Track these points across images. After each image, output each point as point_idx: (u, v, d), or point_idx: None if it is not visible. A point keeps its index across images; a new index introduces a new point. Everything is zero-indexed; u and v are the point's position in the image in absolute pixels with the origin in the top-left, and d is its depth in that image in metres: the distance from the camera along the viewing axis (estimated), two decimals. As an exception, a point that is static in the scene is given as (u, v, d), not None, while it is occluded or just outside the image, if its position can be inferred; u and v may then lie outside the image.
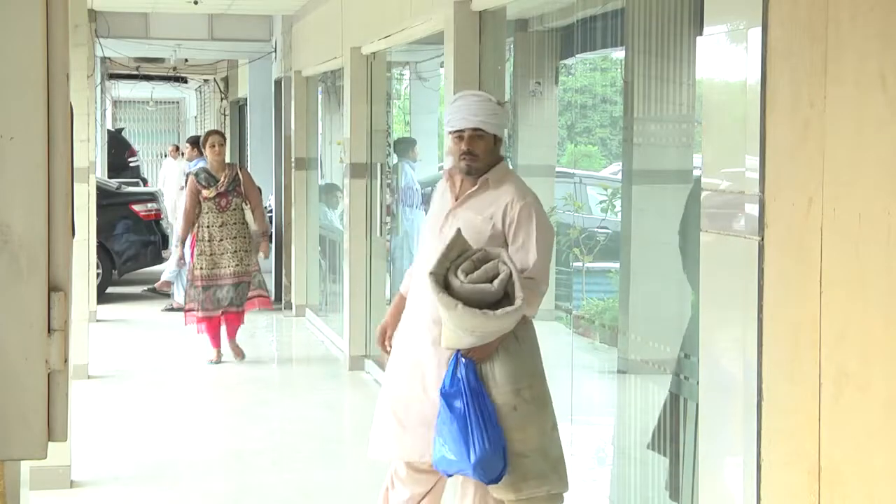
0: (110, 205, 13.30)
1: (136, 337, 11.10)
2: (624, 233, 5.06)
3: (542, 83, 6.08)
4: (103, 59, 15.89)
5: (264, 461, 6.64)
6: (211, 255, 9.15)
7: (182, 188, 12.01)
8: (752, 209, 2.95)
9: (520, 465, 4.16)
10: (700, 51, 4.05)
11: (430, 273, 4.09)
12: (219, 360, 9.39)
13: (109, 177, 17.80)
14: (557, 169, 6.01)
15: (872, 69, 2.62)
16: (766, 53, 2.92)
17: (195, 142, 11.86)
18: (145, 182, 21.81)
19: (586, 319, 5.63)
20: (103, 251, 12.89)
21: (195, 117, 26.86)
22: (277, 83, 13.61)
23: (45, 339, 2.23)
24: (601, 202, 5.59)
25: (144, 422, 7.61)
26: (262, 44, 14.37)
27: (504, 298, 4.08)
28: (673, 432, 4.43)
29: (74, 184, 2.38)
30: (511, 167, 4.47)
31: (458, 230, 4.23)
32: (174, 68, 19.60)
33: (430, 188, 8.59)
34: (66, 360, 2.25)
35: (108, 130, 21.25)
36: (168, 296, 12.97)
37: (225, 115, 19.97)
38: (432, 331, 4.34)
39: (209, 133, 9.62)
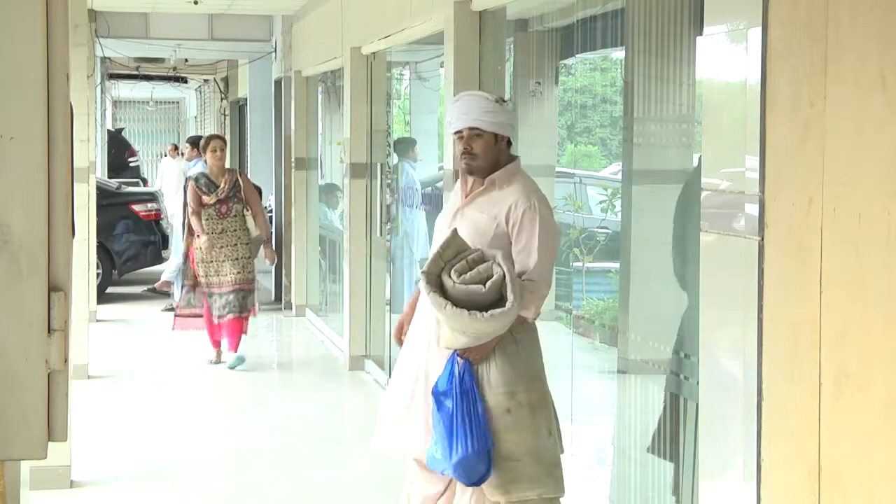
0: (110, 205, 13.30)
1: (136, 337, 11.10)
2: (624, 233, 5.06)
3: (542, 83, 6.08)
4: (103, 59, 15.89)
5: (264, 461, 6.64)
6: (211, 261, 9.03)
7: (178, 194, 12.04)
8: (752, 209, 2.95)
9: (511, 467, 4.15)
10: (700, 51, 4.05)
11: (423, 272, 4.11)
12: (218, 361, 9.32)
13: (109, 177, 17.80)
14: (557, 169, 6.01)
15: (872, 69, 2.63)
16: (766, 53, 2.92)
17: (195, 142, 11.82)
18: (145, 182, 21.82)
19: (586, 319, 5.63)
20: (103, 251, 12.89)
21: (195, 117, 26.86)
22: (277, 83, 13.61)
23: (45, 339, 2.23)
24: (601, 202, 5.58)
25: (144, 422, 7.61)
26: (262, 44, 14.37)
27: (500, 301, 4.08)
28: (672, 434, 4.44)
29: (74, 184, 2.38)
30: (520, 166, 4.43)
31: (455, 230, 4.23)
32: (174, 68, 19.60)
33: (430, 188, 8.60)
34: (66, 360, 2.25)
35: (108, 130, 21.25)
36: (168, 296, 12.96)
37: (225, 115, 19.97)
38: (435, 330, 4.34)
39: (210, 137, 9.47)
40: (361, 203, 9.13)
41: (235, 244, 9.07)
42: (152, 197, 14.57)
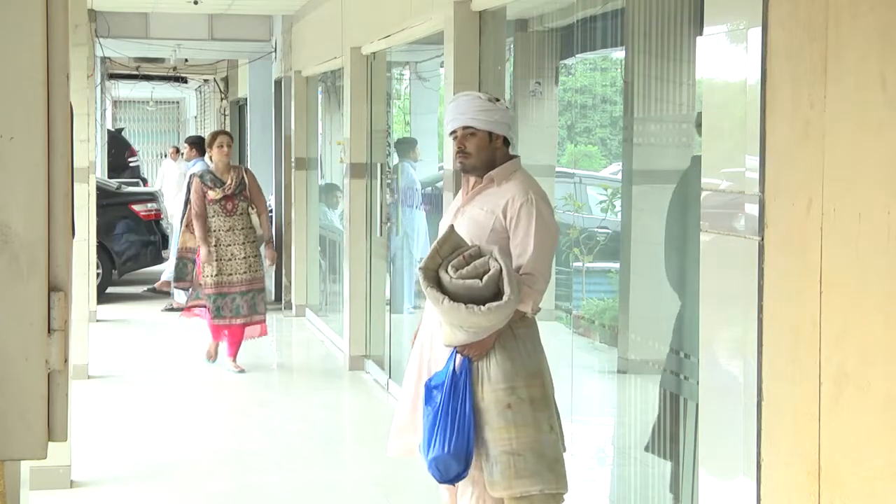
0: (110, 205, 13.31)
1: (136, 337, 11.10)
2: (624, 233, 5.06)
3: (542, 83, 6.08)
4: (103, 59, 15.90)
5: (264, 461, 6.64)
6: (218, 260, 8.78)
7: (179, 195, 11.96)
8: (752, 209, 2.95)
9: (513, 463, 4.16)
10: (700, 51, 4.05)
11: (420, 268, 4.13)
12: (214, 359, 9.19)
13: (109, 177, 17.81)
14: (557, 169, 6.01)
15: (872, 69, 2.63)
16: (766, 53, 2.92)
17: (194, 142, 11.80)
18: (145, 182, 21.82)
19: (586, 319, 5.63)
20: (103, 251, 12.89)
21: (195, 117, 26.86)
22: (277, 83, 13.61)
23: (45, 339, 2.23)
24: (601, 202, 5.58)
25: (144, 422, 7.61)
26: (262, 44, 14.37)
27: (497, 295, 4.09)
28: (669, 432, 4.44)
29: (74, 184, 2.38)
30: (520, 164, 4.44)
31: (451, 226, 4.24)
32: (174, 68, 19.60)
33: (430, 188, 8.59)
34: (66, 360, 2.25)
35: (108, 130, 21.26)
36: (168, 295, 12.97)
37: (225, 115, 19.97)
38: (438, 331, 4.36)
39: (217, 133, 9.22)
40: (361, 203, 9.13)
41: (243, 242, 8.85)
42: (152, 197, 14.58)
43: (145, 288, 13.92)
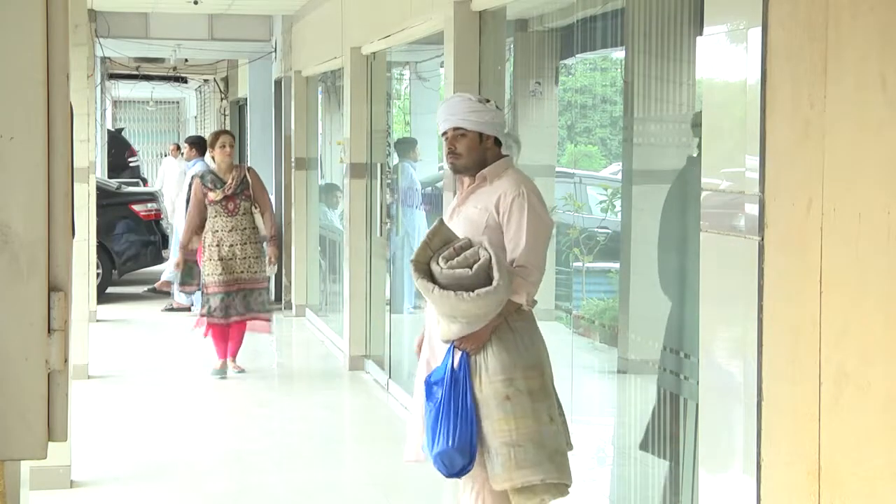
0: (110, 205, 13.31)
1: (136, 337, 11.10)
2: (624, 233, 5.06)
3: (542, 83, 6.08)
4: (103, 59, 15.89)
5: (264, 461, 6.64)
6: (220, 259, 8.63)
7: (179, 194, 11.91)
8: (752, 209, 2.95)
9: (513, 454, 4.18)
10: (700, 51, 4.05)
11: (411, 260, 4.19)
12: (223, 370, 8.88)
13: (109, 177, 17.81)
14: (557, 169, 6.01)
15: (872, 69, 2.63)
16: (766, 53, 2.92)
17: (194, 142, 11.78)
18: (145, 182, 21.82)
19: (586, 319, 5.63)
20: (103, 251, 12.89)
21: (195, 117, 26.86)
22: (277, 83, 13.61)
23: (45, 339, 2.23)
24: (601, 202, 5.58)
25: (144, 422, 7.61)
26: (262, 44, 14.37)
27: (488, 284, 4.13)
28: (665, 430, 4.45)
29: (74, 184, 2.38)
30: (512, 162, 4.48)
31: (440, 220, 4.32)
32: (174, 68, 19.60)
33: (430, 188, 8.59)
34: (66, 360, 2.25)
35: (108, 130, 21.26)
36: (168, 295, 12.96)
37: (225, 115, 19.96)
38: (437, 331, 4.38)
39: (219, 133, 9.12)
40: (361, 203, 9.12)
41: (245, 242, 8.70)
42: (152, 197, 14.58)
43: (146, 288, 13.92)
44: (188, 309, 12.32)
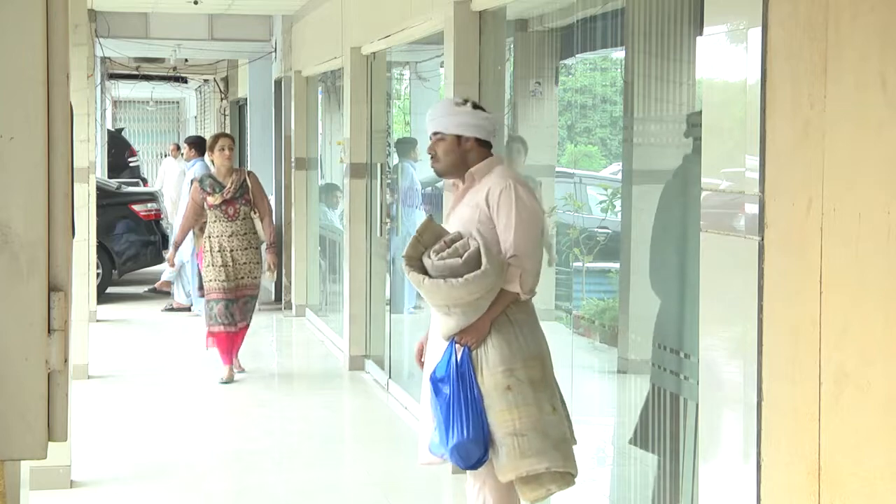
0: (110, 205, 13.31)
1: (136, 337, 11.10)
2: (624, 233, 5.06)
3: (542, 83, 6.08)
4: (103, 59, 15.89)
5: (264, 461, 6.64)
6: (222, 266, 8.49)
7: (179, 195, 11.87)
8: (752, 209, 2.95)
9: (518, 444, 4.20)
10: (700, 51, 4.05)
11: (403, 256, 4.27)
12: (231, 379, 8.75)
13: (109, 177, 17.81)
14: (557, 169, 6.01)
15: (872, 69, 2.63)
16: (766, 53, 2.92)
17: (194, 142, 11.78)
18: (145, 182, 21.82)
19: (586, 319, 5.63)
20: (103, 251, 12.89)
21: (195, 117, 26.86)
22: (277, 83, 13.61)
23: (45, 339, 2.23)
24: (601, 202, 5.59)
25: (144, 422, 7.61)
26: (262, 44, 14.37)
27: None
28: (654, 426, 4.48)
29: (74, 184, 2.38)
30: (502, 161, 4.53)
31: (430, 216, 4.41)
32: (174, 68, 19.60)
33: (430, 188, 8.59)
34: (66, 360, 2.26)
35: (108, 130, 21.26)
36: (168, 295, 12.97)
37: (225, 115, 19.97)
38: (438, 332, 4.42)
39: (218, 136, 8.93)
40: (361, 203, 9.12)
41: (245, 248, 8.56)
42: (152, 197, 14.58)
43: (146, 288, 13.92)
44: (188, 309, 12.33)
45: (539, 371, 4.29)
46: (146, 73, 20.23)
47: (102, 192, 12.58)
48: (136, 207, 13.89)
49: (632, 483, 5.10)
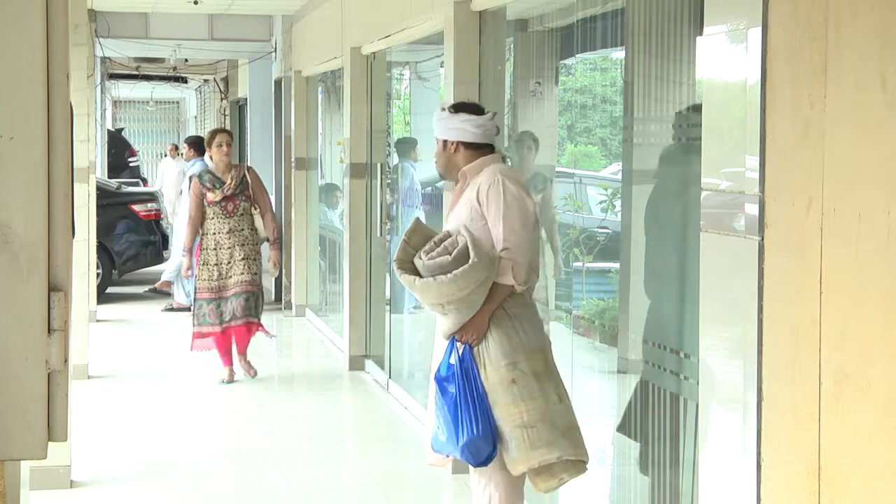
0: (110, 205, 13.31)
1: (136, 337, 11.10)
2: (624, 233, 5.06)
3: (542, 83, 6.08)
4: (103, 59, 15.89)
5: (264, 461, 6.64)
6: (217, 264, 8.39)
7: (181, 193, 11.82)
8: (752, 209, 2.95)
9: (527, 436, 4.24)
10: (700, 51, 4.05)
11: (394, 260, 4.35)
12: (231, 380, 8.69)
13: (109, 177, 17.81)
14: (557, 169, 6.01)
15: (872, 69, 2.62)
16: (766, 53, 2.92)
17: (193, 142, 11.76)
18: (145, 182, 21.82)
19: (586, 319, 5.63)
20: (103, 251, 12.89)
21: (195, 117, 26.86)
22: (277, 83, 13.61)
23: (45, 339, 2.23)
24: (601, 202, 5.59)
25: (144, 422, 7.61)
26: (262, 44, 14.37)
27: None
28: (643, 417, 4.50)
29: (74, 184, 2.38)
30: (497, 159, 4.60)
31: (417, 218, 4.53)
32: (174, 68, 19.60)
33: (430, 188, 8.59)
34: (66, 360, 2.26)
35: (108, 130, 21.26)
36: (168, 295, 12.96)
37: (225, 115, 19.96)
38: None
39: (216, 131, 8.80)
40: (361, 203, 9.12)
41: (243, 244, 8.42)
42: (152, 197, 14.58)
43: (146, 289, 13.92)
44: (188, 309, 12.31)
45: (542, 363, 4.34)
46: (146, 73, 20.23)
47: (102, 192, 12.58)
48: (136, 207, 13.89)
49: (632, 483, 5.10)
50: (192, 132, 24.58)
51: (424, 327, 4.68)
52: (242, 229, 8.48)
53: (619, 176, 5.28)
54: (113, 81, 21.45)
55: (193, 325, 8.68)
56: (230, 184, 8.47)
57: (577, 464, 4.30)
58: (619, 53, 5.30)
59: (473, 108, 4.63)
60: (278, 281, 12.84)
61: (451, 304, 4.24)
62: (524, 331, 4.33)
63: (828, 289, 2.77)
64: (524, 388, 4.26)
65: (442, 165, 4.64)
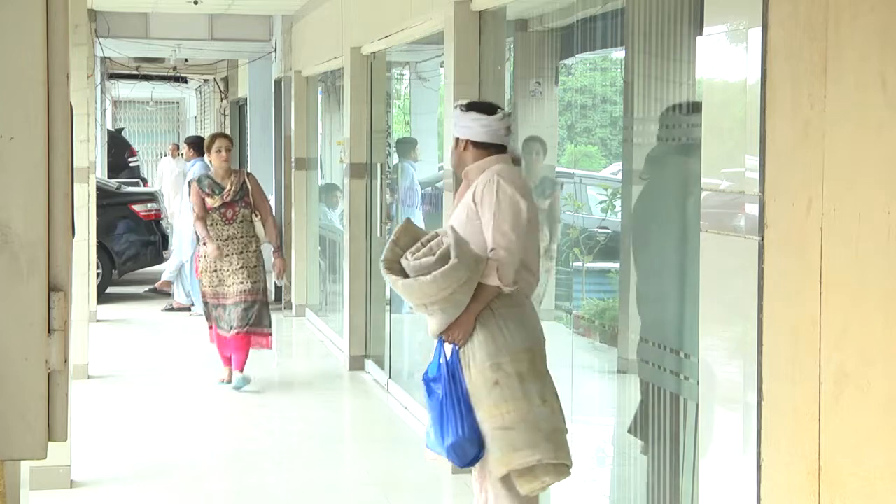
0: (110, 205, 13.31)
1: (136, 337, 11.10)
2: (624, 233, 5.06)
3: (542, 83, 6.08)
4: (103, 59, 15.90)
5: (264, 461, 6.64)
6: (215, 271, 8.23)
7: (178, 195, 11.77)
8: (752, 209, 2.95)
9: (509, 437, 4.23)
10: (700, 51, 4.05)
11: (381, 260, 4.37)
12: (230, 381, 8.56)
13: (109, 177, 17.81)
14: (557, 169, 6.01)
15: (872, 69, 2.63)
16: (766, 53, 2.92)
17: (193, 142, 11.76)
18: (145, 182, 21.83)
19: (586, 319, 5.63)
20: (103, 251, 12.89)
21: (195, 117, 26.86)
22: (277, 83, 13.61)
23: (45, 339, 2.23)
24: (601, 202, 5.59)
25: (144, 422, 7.61)
26: (262, 44, 14.37)
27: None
28: (644, 416, 4.53)
29: (74, 184, 2.38)
30: (502, 160, 4.55)
31: (407, 219, 4.53)
32: (174, 68, 19.60)
33: (430, 188, 8.59)
34: (66, 360, 2.26)
35: (108, 130, 21.27)
36: (168, 295, 12.96)
37: (225, 115, 19.97)
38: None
39: (215, 136, 8.54)
40: (361, 203, 9.12)
41: (242, 251, 8.22)
42: (152, 197, 14.58)
43: (146, 289, 13.91)
44: (188, 309, 12.32)
45: (527, 364, 4.31)
46: (146, 73, 20.24)
47: (102, 192, 12.58)
48: (136, 207, 13.89)
49: (632, 483, 5.10)
50: (192, 132, 24.59)
51: (424, 327, 4.68)
52: (242, 236, 8.28)
53: (619, 176, 5.28)
54: (113, 81, 21.46)
55: (208, 320, 8.57)
56: (229, 190, 8.28)
57: (560, 467, 4.29)
58: (619, 53, 5.30)
59: (485, 107, 4.58)
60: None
61: (434, 305, 4.24)
62: (510, 331, 4.32)
63: (828, 289, 2.77)
64: (507, 390, 4.25)
65: (454, 163, 4.67)
